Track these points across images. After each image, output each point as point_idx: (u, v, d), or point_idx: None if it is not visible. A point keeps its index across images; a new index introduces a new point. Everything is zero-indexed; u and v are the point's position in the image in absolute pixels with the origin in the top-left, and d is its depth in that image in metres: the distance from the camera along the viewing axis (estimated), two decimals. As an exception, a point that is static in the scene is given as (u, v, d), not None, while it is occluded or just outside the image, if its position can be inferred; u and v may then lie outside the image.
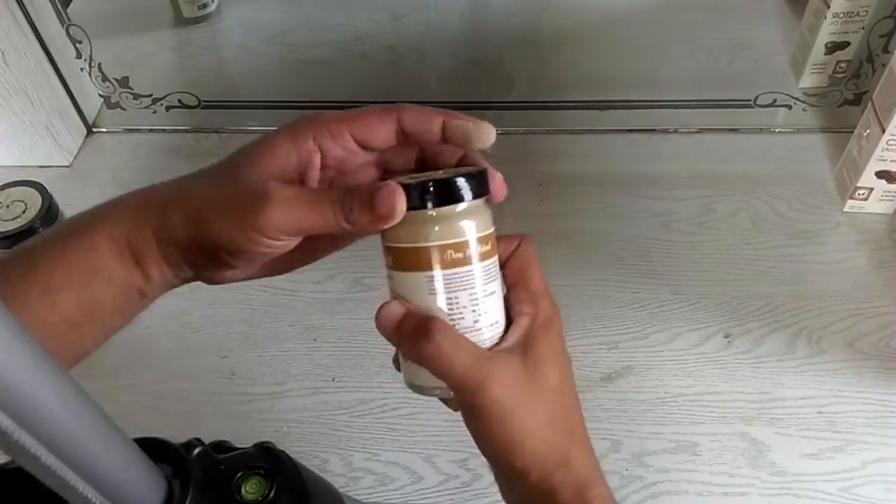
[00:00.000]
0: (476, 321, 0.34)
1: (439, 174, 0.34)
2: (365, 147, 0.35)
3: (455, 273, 0.33)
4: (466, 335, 0.34)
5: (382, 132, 0.35)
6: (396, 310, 0.35)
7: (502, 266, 0.36)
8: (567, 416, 0.35)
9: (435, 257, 0.33)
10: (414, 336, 0.34)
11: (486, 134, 0.35)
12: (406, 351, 0.35)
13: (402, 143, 0.36)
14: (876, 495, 0.54)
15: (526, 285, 0.36)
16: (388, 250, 0.35)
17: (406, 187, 0.32)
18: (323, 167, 0.35)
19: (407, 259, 0.34)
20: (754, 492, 0.54)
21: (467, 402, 0.34)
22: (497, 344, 0.35)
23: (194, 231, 0.33)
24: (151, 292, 0.36)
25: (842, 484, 0.54)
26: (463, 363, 0.33)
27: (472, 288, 0.34)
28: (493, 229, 0.35)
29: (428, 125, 0.35)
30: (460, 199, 0.33)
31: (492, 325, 0.34)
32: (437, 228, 0.33)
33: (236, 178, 0.34)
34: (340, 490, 0.42)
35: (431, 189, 0.32)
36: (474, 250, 0.33)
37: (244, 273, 0.37)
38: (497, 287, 0.35)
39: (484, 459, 0.57)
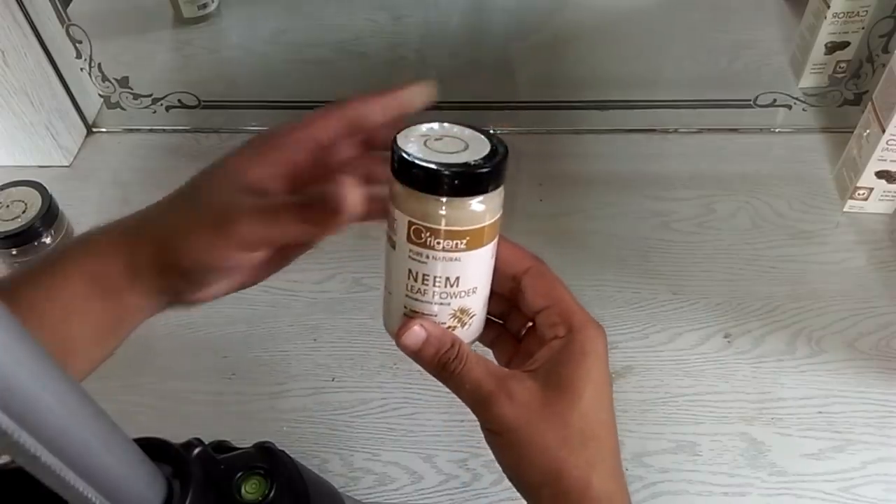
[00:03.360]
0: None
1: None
2: (322, 145, 0.37)
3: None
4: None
5: (330, 130, 0.37)
6: (417, 336, 0.36)
7: (519, 279, 0.38)
8: (592, 443, 0.35)
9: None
10: (432, 365, 0.36)
11: (417, 95, 0.37)
12: (425, 368, 0.37)
13: (352, 133, 0.38)
14: (876, 495, 0.54)
15: (560, 309, 0.37)
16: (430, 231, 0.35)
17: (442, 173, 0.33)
18: (298, 174, 0.37)
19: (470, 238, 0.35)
20: (754, 492, 0.54)
21: (478, 416, 0.35)
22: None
23: (166, 258, 0.35)
24: (133, 320, 0.37)
25: (842, 484, 0.54)
26: (474, 378, 0.35)
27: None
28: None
29: (367, 110, 0.37)
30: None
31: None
32: (443, 208, 0.34)
33: (200, 198, 0.36)
34: (340, 490, 0.42)
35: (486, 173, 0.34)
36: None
37: (222, 289, 0.38)
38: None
39: (485, 460, 0.57)
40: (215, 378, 0.61)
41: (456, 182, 0.33)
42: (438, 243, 0.35)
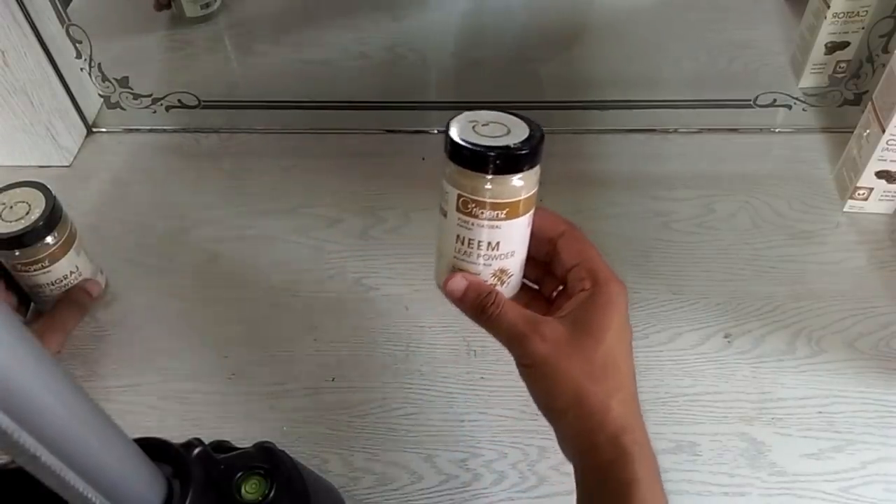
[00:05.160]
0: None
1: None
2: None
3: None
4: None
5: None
6: (460, 283, 0.43)
7: (554, 242, 0.45)
8: (612, 376, 0.41)
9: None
10: (473, 307, 0.43)
11: None
12: (467, 314, 0.43)
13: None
14: (876, 495, 0.54)
15: (588, 266, 0.44)
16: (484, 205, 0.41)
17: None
18: None
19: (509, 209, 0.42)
20: (754, 492, 0.54)
21: (514, 352, 0.42)
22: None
23: None
24: None
25: (842, 484, 0.54)
26: (510, 320, 0.41)
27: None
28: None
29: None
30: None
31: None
32: (489, 183, 0.40)
33: None
34: (340, 490, 0.42)
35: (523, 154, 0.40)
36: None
37: None
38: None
39: (485, 460, 0.57)
40: (215, 378, 0.61)
41: (499, 162, 0.39)
42: (483, 213, 0.41)
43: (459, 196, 0.41)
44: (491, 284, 0.44)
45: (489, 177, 0.40)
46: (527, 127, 0.42)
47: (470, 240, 0.43)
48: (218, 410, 0.59)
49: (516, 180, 0.40)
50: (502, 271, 0.44)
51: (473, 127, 0.41)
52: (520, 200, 0.42)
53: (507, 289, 0.44)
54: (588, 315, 0.41)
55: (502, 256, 0.43)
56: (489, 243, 0.43)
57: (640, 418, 0.42)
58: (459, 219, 0.42)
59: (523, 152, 0.39)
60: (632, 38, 0.89)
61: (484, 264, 0.43)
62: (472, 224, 0.42)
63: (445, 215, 0.43)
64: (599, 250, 0.45)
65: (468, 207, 0.42)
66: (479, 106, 0.89)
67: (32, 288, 0.61)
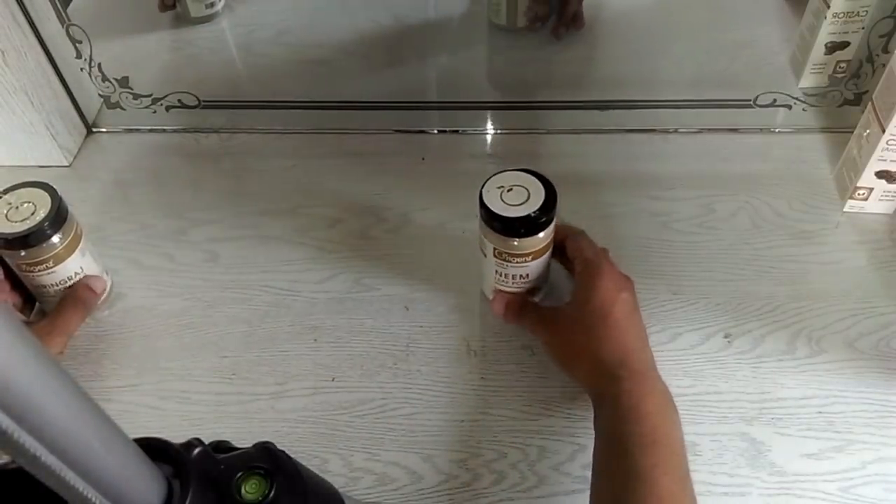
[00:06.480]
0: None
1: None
2: None
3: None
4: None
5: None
6: (501, 303, 0.60)
7: (563, 244, 0.59)
8: (600, 328, 0.54)
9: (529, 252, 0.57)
10: (512, 318, 0.61)
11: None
12: (508, 320, 0.61)
13: None
14: (876, 495, 0.54)
15: (578, 257, 0.58)
16: (514, 255, 0.56)
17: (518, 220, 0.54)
18: None
19: (531, 254, 0.56)
20: (754, 492, 0.54)
21: (540, 335, 0.59)
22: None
23: None
24: None
25: (842, 484, 0.54)
26: (534, 316, 0.59)
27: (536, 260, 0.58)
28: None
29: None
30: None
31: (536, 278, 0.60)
32: (516, 242, 0.55)
33: None
34: (340, 490, 0.42)
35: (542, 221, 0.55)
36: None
37: None
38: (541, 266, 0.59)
39: (485, 460, 0.57)
40: (215, 378, 0.61)
41: (523, 230, 0.54)
42: (514, 259, 0.56)
43: (495, 248, 0.55)
44: (523, 296, 0.60)
45: (517, 238, 0.54)
46: (542, 186, 0.54)
47: (506, 274, 0.58)
48: (218, 410, 0.59)
49: (538, 236, 0.54)
50: (532, 289, 0.60)
51: (501, 194, 0.54)
52: (541, 248, 0.56)
53: (538, 296, 0.61)
54: (577, 292, 0.56)
55: (531, 282, 0.59)
56: (520, 276, 0.58)
57: (638, 354, 0.53)
58: (496, 262, 0.57)
59: (542, 220, 0.53)
60: (632, 38, 0.89)
61: (518, 288, 0.59)
62: (507, 265, 0.57)
63: (485, 256, 0.58)
64: (595, 245, 0.57)
65: (502, 256, 0.56)
66: (480, 106, 0.90)
67: (37, 288, 0.61)
